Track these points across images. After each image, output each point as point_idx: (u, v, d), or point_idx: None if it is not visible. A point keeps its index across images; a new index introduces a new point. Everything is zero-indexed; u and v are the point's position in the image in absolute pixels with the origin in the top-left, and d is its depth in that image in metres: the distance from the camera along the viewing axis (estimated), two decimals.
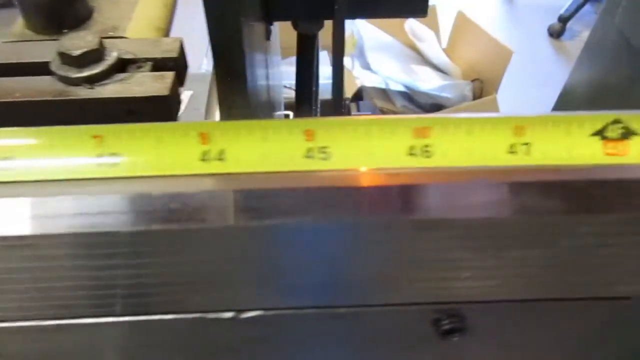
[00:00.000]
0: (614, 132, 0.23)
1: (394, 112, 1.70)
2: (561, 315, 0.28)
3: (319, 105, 0.98)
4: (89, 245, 0.28)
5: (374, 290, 0.26)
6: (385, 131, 0.24)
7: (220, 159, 0.29)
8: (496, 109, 1.70)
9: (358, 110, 1.72)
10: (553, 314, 0.27)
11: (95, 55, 0.40)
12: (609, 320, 0.28)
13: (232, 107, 0.52)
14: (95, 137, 0.33)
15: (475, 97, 1.78)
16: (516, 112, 0.22)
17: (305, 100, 0.89)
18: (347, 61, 1.78)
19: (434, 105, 1.69)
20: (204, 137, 0.32)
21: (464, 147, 0.23)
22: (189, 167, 0.31)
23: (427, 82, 1.70)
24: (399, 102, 1.67)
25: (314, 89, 0.88)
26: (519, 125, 0.22)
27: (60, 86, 0.40)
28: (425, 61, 1.83)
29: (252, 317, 0.29)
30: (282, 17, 0.77)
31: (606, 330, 0.28)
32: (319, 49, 0.91)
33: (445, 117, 0.23)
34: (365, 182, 0.24)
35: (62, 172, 0.31)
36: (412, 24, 1.78)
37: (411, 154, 0.24)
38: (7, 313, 0.31)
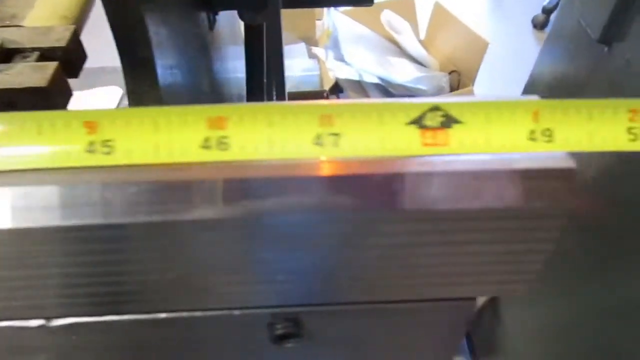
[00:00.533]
0: (433, 120, 0.21)
1: None
2: (403, 317, 0.26)
3: (274, 97, 0.96)
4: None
5: (209, 293, 0.24)
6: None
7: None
8: None
9: None
10: (395, 317, 0.26)
11: None
12: (455, 321, 0.26)
13: (142, 100, 0.50)
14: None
15: (452, 89, 1.77)
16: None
17: (256, 92, 0.87)
18: (320, 52, 1.75)
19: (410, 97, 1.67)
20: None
21: (263, 137, 0.21)
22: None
23: (403, 74, 1.68)
24: (373, 95, 1.65)
25: (264, 80, 0.86)
26: (325, 114, 0.21)
27: None
28: (403, 53, 1.81)
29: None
30: (223, 7, 0.75)
31: (453, 331, 0.27)
32: (296, 42, 0.88)
33: (241, 106, 0.21)
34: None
35: None
36: (388, 16, 1.76)
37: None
38: None
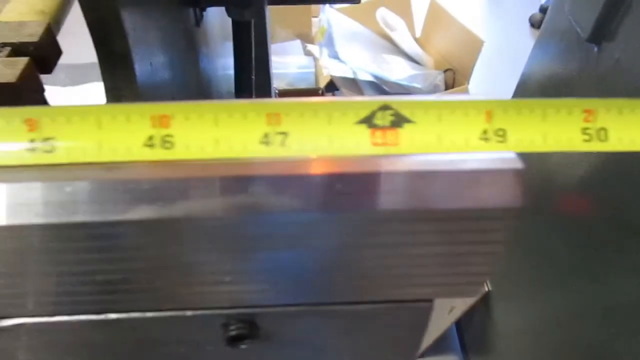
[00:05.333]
0: (383, 119, 0.21)
1: None
2: (360, 319, 0.26)
3: (274, 95, 0.96)
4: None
5: (160, 294, 0.24)
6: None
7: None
8: None
9: None
10: (352, 318, 0.26)
11: None
12: (415, 323, 0.26)
13: (120, 96, 0.49)
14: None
15: (447, 87, 1.76)
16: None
17: (244, 88, 0.87)
18: (315, 50, 1.75)
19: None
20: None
21: (209, 136, 0.20)
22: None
23: (398, 71, 1.67)
24: (368, 92, 1.65)
25: (252, 76, 0.85)
26: (273, 112, 0.20)
27: None
28: (398, 50, 1.81)
29: None
30: (209, 3, 0.75)
31: (412, 332, 0.26)
32: (292, 38, 0.88)
33: (186, 105, 0.21)
34: None
35: None
36: (384, 13, 1.75)
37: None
38: None
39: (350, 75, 1.63)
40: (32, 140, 0.23)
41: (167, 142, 0.20)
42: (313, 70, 1.86)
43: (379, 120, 0.21)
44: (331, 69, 1.62)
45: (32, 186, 0.21)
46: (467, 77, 1.71)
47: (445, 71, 1.77)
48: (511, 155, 0.21)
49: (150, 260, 0.21)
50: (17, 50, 0.41)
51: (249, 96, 0.87)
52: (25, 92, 0.39)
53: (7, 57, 0.40)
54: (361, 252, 0.22)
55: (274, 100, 0.21)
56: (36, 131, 0.22)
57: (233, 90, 0.99)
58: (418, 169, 0.20)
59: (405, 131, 0.21)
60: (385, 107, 0.21)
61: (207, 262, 0.22)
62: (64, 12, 0.55)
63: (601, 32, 0.82)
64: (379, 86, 1.66)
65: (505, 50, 2.17)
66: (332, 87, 1.83)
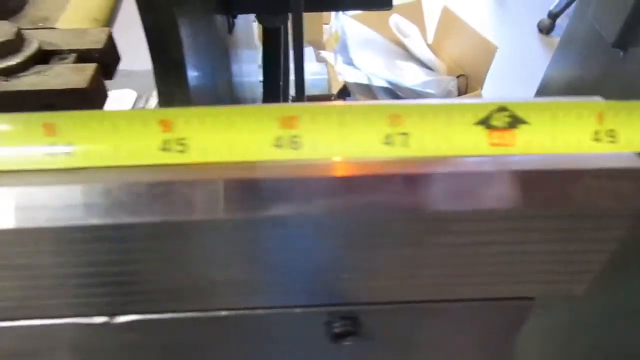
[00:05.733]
0: (499, 120, 0.21)
1: None
2: (462, 316, 0.26)
3: (290, 101, 0.97)
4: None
5: (265, 291, 0.24)
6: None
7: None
8: None
9: None
10: (454, 316, 0.26)
11: (11, 46, 0.39)
12: (513, 321, 0.26)
13: (172, 100, 0.50)
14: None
15: (460, 93, 1.77)
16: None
17: (273, 95, 0.87)
18: (330, 57, 1.76)
19: None
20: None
21: (334, 137, 0.21)
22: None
23: (412, 78, 1.68)
24: (383, 99, 1.65)
25: (281, 83, 0.86)
26: (394, 113, 0.21)
27: None
28: (410, 57, 1.82)
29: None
30: (243, 10, 0.75)
31: (509, 331, 0.27)
32: (304, 45, 0.88)
33: (312, 106, 0.21)
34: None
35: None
36: (396, 20, 1.76)
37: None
38: None
39: (365, 82, 1.64)
40: (166, 141, 0.23)
41: (294, 142, 0.21)
42: (326, 76, 1.87)
43: (496, 121, 0.21)
44: (346, 75, 1.63)
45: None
46: (480, 83, 1.72)
47: (457, 77, 1.78)
48: (630, 154, 0.22)
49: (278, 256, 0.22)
50: (82, 56, 0.42)
51: (278, 100, 0.88)
52: (94, 97, 0.40)
53: (74, 64, 0.41)
54: (476, 249, 0.23)
55: (395, 102, 0.21)
56: (171, 132, 0.23)
57: (256, 97, 1.00)
58: (536, 168, 0.21)
59: (521, 132, 0.21)
60: (501, 109, 0.21)
61: (336, 258, 0.23)
62: (113, 20, 0.56)
63: (628, 37, 0.83)
64: (393, 92, 1.67)
65: (513, 56, 2.18)
66: (344, 93, 1.83)
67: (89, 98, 0.39)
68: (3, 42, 0.38)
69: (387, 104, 0.21)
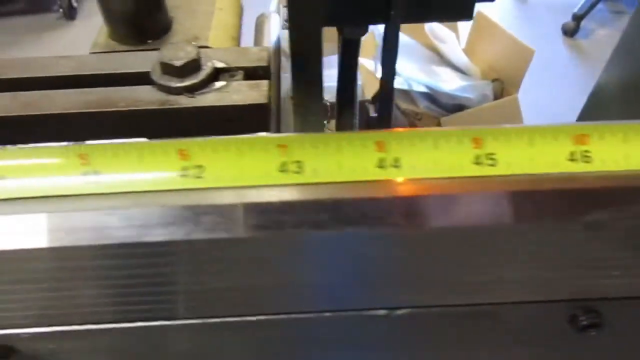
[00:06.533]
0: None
1: (416, 114, 1.71)
2: None
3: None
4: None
5: (511, 289, 0.27)
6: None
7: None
8: (517, 109, 1.71)
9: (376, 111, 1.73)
10: None
11: (194, 65, 0.42)
12: None
13: (307, 114, 0.53)
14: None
15: (496, 97, 1.79)
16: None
17: (347, 106, 0.90)
18: (369, 63, 1.79)
19: (456, 106, 1.70)
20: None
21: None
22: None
23: (449, 82, 1.71)
24: (422, 103, 1.68)
25: (355, 90, 0.89)
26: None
27: (162, 96, 0.41)
28: (444, 62, 1.84)
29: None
30: (346, 22, 0.78)
31: None
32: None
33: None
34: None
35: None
36: (433, 26, 1.79)
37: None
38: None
39: (405, 87, 1.67)
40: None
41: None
42: (360, 82, 1.89)
43: None
44: None
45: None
46: (516, 87, 1.75)
47: (492, 81, 1.81)
48: None
49: None
50: (248, 73, 0.45)
51: (351, 114, 0.91)
52: (269, 112, 0.43)
53: (246, 81, 0.44)
54: None
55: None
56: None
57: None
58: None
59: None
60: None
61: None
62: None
63: None
64: (432, 97, 1.69)
65: (540, 59, 2.20)
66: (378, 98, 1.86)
67: (267, 112, 0.42)
68: (188, 62, 0.41)
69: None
